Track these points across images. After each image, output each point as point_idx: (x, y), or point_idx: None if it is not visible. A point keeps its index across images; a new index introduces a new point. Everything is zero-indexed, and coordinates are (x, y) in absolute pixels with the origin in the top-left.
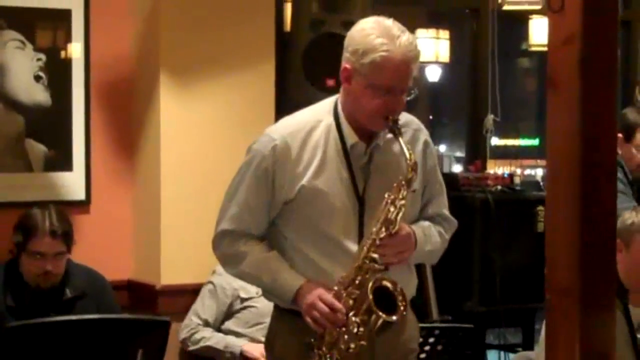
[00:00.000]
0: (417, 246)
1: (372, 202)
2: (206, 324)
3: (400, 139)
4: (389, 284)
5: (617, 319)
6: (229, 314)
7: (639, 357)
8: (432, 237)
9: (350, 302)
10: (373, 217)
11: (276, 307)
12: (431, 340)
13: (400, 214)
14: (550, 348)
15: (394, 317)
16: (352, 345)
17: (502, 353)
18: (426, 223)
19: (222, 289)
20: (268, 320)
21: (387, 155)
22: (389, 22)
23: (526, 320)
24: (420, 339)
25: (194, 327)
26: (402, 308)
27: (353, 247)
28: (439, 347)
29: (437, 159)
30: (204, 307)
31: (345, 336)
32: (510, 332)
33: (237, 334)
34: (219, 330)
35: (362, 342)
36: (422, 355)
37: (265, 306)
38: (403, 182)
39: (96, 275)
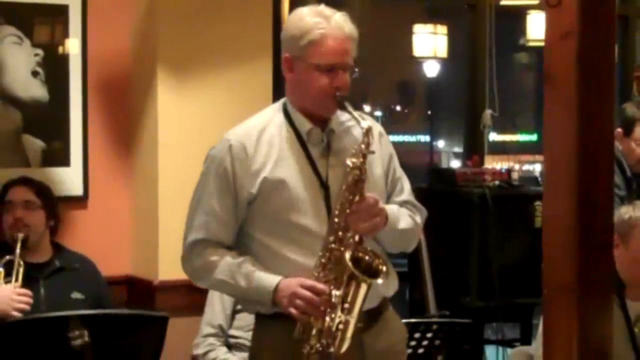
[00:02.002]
0: (388, 221)
1: (337, 186)
2: (221, 330)
3: (350, 109)
4: (363, 254)
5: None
6: (232, 314)
7: (636, 351)
8: (402, 216)
9: (331, 281)
10: (338, 192)
11: (258, 316)
12: (429, 335)
13: (365, 184)
14: (547, 343)
15: (379, 280)
16: (342, 321)
17: (500, 348)
18: (394, 205)
19: None
20: None
21: (344, 138)
22: (321, 6)
23: (524, 316)
24: (418, 334)
25: (211, 342)
26: (383, 269)
27: (324, 234)
28: (437, 342)
29: (393, 149)
30: (214, 313)
31: (333, 315)
32: (508, 327)
33: (239, 339)
34: (227, 336)
35: (353, 317)
36: (420, 351)
37: None
38: (362, 146)
39: (87, 257)
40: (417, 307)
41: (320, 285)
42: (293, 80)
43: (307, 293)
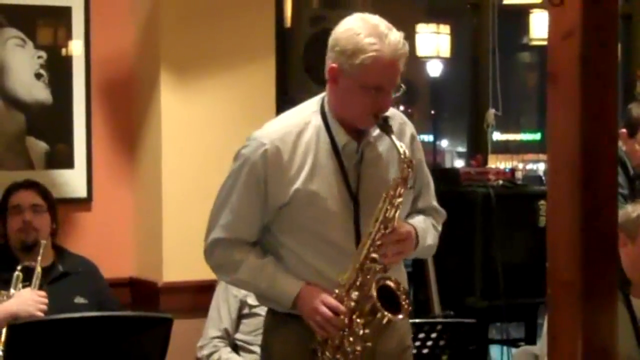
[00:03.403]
0: (418, 244)
1: (367, 201)
2: (226, 333)
3: (393, 136)
4: (392, 284)
5: (620, 312)
6: (238, 319)
7: None
8: (429, 232)
9: (353, 304)
10: (369, 216)
11: (270, 312)
12: (433, 335)
13: (398, 212)
14: (552, 342)
15: (400, 316)
16: (358, 348)
17: (504, 348)
18: (420, 217)
19: (232, 294)
20: None
21: (377, 151)
22: (375, 20)
23: (529, 315)
24: (423, 334)
25: (215, 345)
26: (406, 307)
27: (351, 248)
28: (442, 342)
29: (423, 152)
30: (221, 316)
31: (350, 338)
32: (513, 326)
33: (246, 343)
34: (233, 340)
35: (368, 344)
36: (425, 351)
37: None
38: (399, 179)
39: (88, 260)
40: (422, 307)
41: (342, 307)
42: (336, 91)
43: (328, 312)
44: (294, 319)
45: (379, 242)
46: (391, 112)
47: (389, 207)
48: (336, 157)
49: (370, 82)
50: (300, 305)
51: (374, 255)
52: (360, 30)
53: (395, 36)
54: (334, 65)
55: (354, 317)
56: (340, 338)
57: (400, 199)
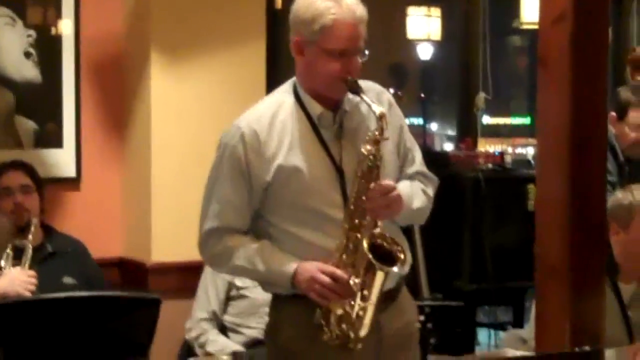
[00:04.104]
0: (403, 204)
1: (351, 168)
2: (214, 315)
3: (363, 95)
4: (381, 241)
5: (608, 297)
6: (226, 301)
7: (630, 333)
8: (417, 193)
9: (350, 268)
10: (353, 179)
11: (275, 296)
12: (422, 318)
13: (379, 165)
14: (540, 325)
15: (395, 268)
16: (361, 308)
17: (492, 331)
18: (406, 182)
19: (220, 276)
20: (261, 310)
21: (355, 120)
22: None
23: (517, 299)
24: None
25: (203, 327)
26: (402, 257)
27: (340, 216)
28: (430, 325)
29: (403, 119)
30: (208, 298)
31: (352, 302)
32: (501, 310)
33: (235, 324)
34: (221, 322)
35: (371, 303)
36: None
37: (258, 296)
38: (376, 133)
39: (77, 240)
40: (410, 290)
41: (339, 272)
42: (303, 64)
43: (326, 279)
44: (299, 300)
45: (364, 197)
46: (368, 84)
47: (369, 163)
48: (313, 130)
49: (332, 46)
50: (299, 280)
51: (362, 213)
52: None
53: None
54: (296, 38)
55: (352, 278)
56: (343, 306)
57: (379, 153)
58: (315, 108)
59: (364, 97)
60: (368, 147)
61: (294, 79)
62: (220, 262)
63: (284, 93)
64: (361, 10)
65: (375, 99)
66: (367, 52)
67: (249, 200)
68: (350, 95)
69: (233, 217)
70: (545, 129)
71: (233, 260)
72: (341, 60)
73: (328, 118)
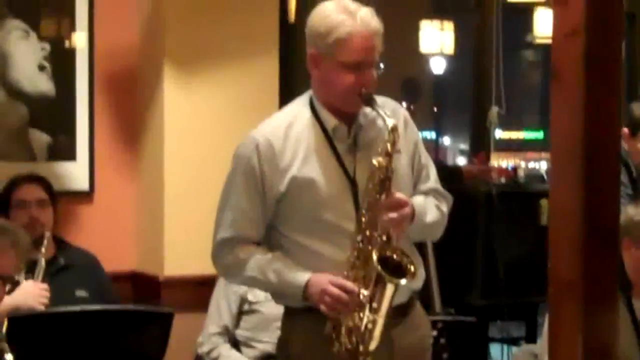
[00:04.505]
0: (415, 216)
1: (365, 183)
2: (226, 330)
3: (377, 107)
4: (392, 253)
5: (621, 314)
6: (238, 315)
7: None
8: (430, 208)
9: (360, 280)
10: (364, 191)
11: (287, 308)
12: (434, 333)
13: (391, 177)
14: (553, 341)
15: (404, 281)
16: (370, 320)
17: (505, 346)
18: (420, 197)
19: (232, 290)
20: (273, 325)
21: (370, 134)
22: (345, 0)
23: (529, 314)
24: None
25: (215, 341)
26: (411, 269)
27: (353, 230)
28: (442, 341)
29: (419, 136)
30: (220, 312)
31: (361, 314)
32: (514, 325)
33: (247, 339)
34: (234, 337)
35: (380, 316)
36: None
37: (270, 311)
38: (387, 145)
39: (89, 253)
40: (422, 305)
41: (350, 284)
42: (319, 77)
43: (337, 291)
44: (311, 313)
45: (376, 211)
46: (384, 99)
47: (381, 175)
48: (328, 142)
49: (347, 58)
50: (310, 292)
51: (373, 225)
52: (330, 11)
53: (366, 11)
54: (312, 51)
55: (362, 290)
56: (352, 318)
57: (390, 166)
58: (331, 121)
59: (378, 109)
60: (380, 159)
61: (310, 91)
62: (233, 272)
63: (300, 105)
64: (376, 23)
65: (390, 114)
66: (382, 65)
67: (263, 210)
68: (366, 110)
69: (247, 227)
70: (558, 143)
71: (245, 271)
72: (356, 73)
73: (343, 131)
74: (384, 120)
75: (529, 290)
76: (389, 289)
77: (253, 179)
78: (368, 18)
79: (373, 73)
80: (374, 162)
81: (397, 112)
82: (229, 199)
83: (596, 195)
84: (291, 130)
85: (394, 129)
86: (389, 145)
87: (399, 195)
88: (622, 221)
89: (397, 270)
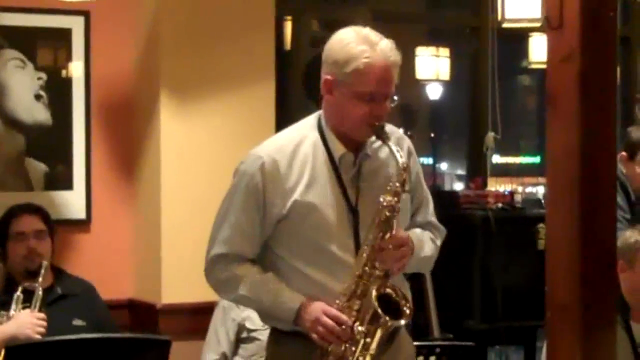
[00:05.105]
0: (414, 252)
1: (366, 212)
2: (224, 357)
3: (390, 143)
4: (391, 291)
5: (619, 336)
6: (236, 343)
7: None
8: (426, 243)
9: (354, 313)
10: (368, 226)
11: (274, 331)
12: (432, 358)
13: (396, 219)
14: None
15: (402, 321)
16: (360, 354)
17: None
18: (418, 230)
19: (230, 318)
20: None
21: (375, 163)
22: (366, 30)
23: (528, 338)
24: (422, 357)
25: None
26: (407, 312)
27: (350, 259)
28: None
29: (420, 167)
30: (219, 340)
31: (353, 348)
32: (512, 350)
33: None
34: None
35: (371, 353)
36: None
37: None
38: (397, 184)
39: (86, 281)
40: (421, 330)
41: (344, 317)
42: (332, 103)
43: (330, 322)
44: (298, 337)
45: (377, 247)
46: (390, 128)
47: (387, 214)
48: (333, 169)
49: (363, 89)
50: (302, 318)
51: (374, 262)
52: (351, 40)
53: (386, 43)
54: (328, 77)
55: (356, 325)
56: (343, 350)
57: (398, 204)
58: (338, 149)
59: (391, 145)
60: (388, 198)
61: (318, 113)
62: (225, 289)
63: (309, 127)
64: (395, 56)
65: (395, 143)
66: (396, 97)
67: (261, 229)
68: (372, 138)
69: (242, 244)
70: (554, 167)
71: (238, 290)
72: (370, 105)
73: (349, 160)
74: (396, 158)
75: (528, 315)
76: (384, 327)
77: (255, 197)
78: (387, 50)
79: (387, 105)
80: (382, 200)
81: (402, 143)
82: (228, 214)
83: (592, 220)
84: (298, 151)
85: (405, 168)
86: (398, 185)
87: (402, 233)
88: (619, 244)
89: (391, 308)
